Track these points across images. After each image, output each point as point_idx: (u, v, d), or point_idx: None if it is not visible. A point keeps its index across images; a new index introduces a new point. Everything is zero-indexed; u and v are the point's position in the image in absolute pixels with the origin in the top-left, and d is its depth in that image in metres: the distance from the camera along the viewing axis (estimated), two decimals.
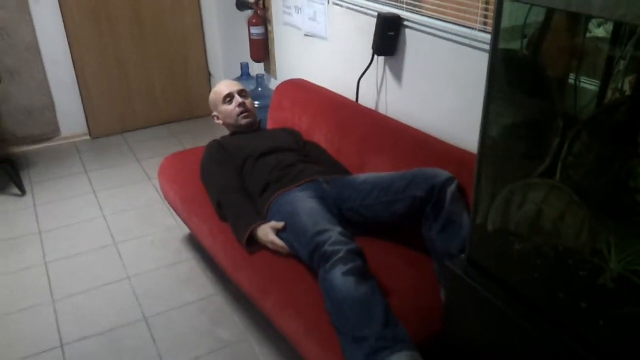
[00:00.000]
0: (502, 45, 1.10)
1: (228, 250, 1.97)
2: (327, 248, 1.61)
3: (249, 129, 2.42)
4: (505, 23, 1.08)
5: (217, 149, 2.28)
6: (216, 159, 2.22)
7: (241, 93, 2.42)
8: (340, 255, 1.58)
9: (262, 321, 2.10)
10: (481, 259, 1.25)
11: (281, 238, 1.83)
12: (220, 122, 2.46)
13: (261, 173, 2.09)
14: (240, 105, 2.38)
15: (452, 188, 1.69)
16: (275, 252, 1.85)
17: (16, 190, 3.10)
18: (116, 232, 2.75)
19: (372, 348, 1.43)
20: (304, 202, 1.86)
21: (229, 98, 2.40)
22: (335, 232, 1.66)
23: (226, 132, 2.50)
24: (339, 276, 1.54)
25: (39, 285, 2.38)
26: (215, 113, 2.48)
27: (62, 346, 2.05)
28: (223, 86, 2.46)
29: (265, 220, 1.93)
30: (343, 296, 1.52)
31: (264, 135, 2.39)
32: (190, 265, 2.50)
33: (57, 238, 2.71)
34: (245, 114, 2.39)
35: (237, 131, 2.42)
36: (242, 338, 2.07)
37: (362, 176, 1.99)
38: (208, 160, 2.25)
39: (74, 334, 2.11)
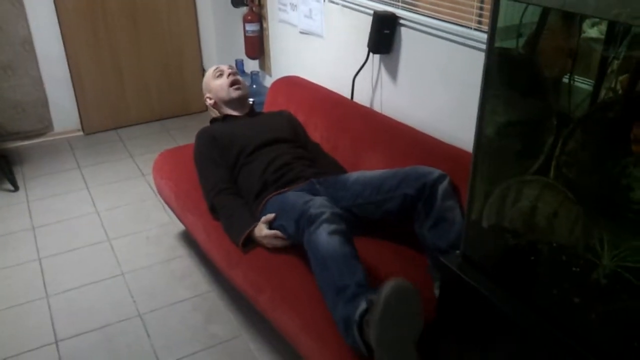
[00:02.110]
0: (497, 43, 1.12)
1: (222, 246, 1.98)
2: (313, 211, 1.65)
3: (241, 107, 2.40)
4: (501, 22, 1.09)
5: (207, 141, 2.20)
6: (207, 155, 2.17)
7: (229, 69, 2.45)
8: (326, 216, 1.62)
9: (256, 317, 2.11)
10: (475, 255, 1.26)
11: (273, 228, 1.86)
12: (212, 102, 2.42)
13: (255, 172, 2.08)
14: (231, 75, 2.40)
15: (443, 185, 1.70)
16: (269, 249, 1.85)
17: (9, 186, 3.08)
18: (110, 228, 2.74)
19: (352, 293, 1.49)
20: (294, 194, 1.91)
21: (218, 73, 2.42)
22: (319, 199, 1.72)
23: None
24: (325, 235, 1.59)
25: (32, 281, 2.37)
26: (207, 95, 2.45)
27: (56, 342, 2.05)
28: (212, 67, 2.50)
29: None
30: (328, 253, 1.56)
31: (257, 121, 2.35)
32: (184, 261, 2.50)
33: (51, 234, 2.71)
34: (237, 85, 2.39)
35: (229, 114, 2.39)
36: (236, 334, 2.08)
37: (354, 175, 1.99)
38: (199, 155, 2.20)
39: (69, 330, 2.11)
